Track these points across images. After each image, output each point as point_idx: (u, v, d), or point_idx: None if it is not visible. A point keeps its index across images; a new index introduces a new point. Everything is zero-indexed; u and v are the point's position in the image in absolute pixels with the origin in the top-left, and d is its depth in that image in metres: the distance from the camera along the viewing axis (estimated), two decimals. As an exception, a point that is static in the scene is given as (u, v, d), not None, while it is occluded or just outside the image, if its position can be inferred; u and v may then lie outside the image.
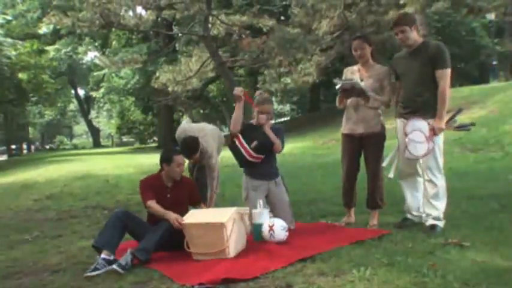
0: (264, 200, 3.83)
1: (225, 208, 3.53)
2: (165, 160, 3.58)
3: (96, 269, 2.97)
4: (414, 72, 3.55)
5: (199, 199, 3.84)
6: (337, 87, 3.76)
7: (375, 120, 3.80)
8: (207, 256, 3.16)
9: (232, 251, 3.18)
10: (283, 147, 3.89)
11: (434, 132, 3.44)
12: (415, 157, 3.53)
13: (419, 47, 3.56)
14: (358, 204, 4.07)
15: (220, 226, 3.12)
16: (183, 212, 3.49)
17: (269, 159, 3.88)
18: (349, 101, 3.86)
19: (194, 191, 3.83)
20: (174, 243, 3.36)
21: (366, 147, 3.88)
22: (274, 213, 3.82)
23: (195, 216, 3.34)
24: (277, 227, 3.42)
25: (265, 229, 3.44)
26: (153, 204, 3.45)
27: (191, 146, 4.20)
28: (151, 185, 3.58)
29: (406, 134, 3.56)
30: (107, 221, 3.37)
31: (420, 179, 3.70)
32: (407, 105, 3.62)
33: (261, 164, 3.81)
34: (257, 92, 3.95)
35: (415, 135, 3.49)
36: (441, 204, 3.52)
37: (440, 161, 3.52)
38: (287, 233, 3.44)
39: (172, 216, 3.31)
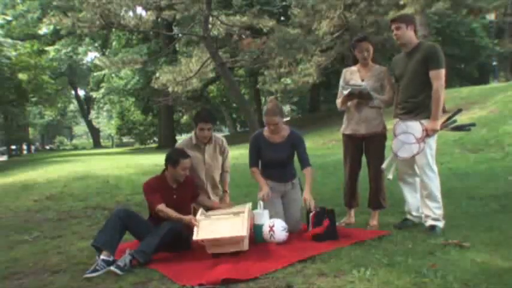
0: (279, 200, 3.88)
1: (236, 208, 3.55)
2: (172, 162, 3.52)
3: (95, 270, 2.97)
4: (409, 73, 3.56)
5: (197, 194, 3.79)
6: (345, 92, 3.75)
7: (377, 121, 3.81)
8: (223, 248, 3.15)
9: (246, 245, 3.21)
10: (307, 158, 3.86)
11: (427, 133, 3.45)
12: (402, 158, 3.55)
13: (415, 48, 3.57)
14: (359, 205, 4.08)
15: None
16: (187, 212, 3.53)
17: (283, 167, 3.89)
18: (350, 102, 3.86)
19: (195, 188, 3.80)
20: (174, 244, 3.37)
21: (368, 148, 3.88)
22: (285, 212, 3.83)
23: (211, 228, 3.25)
24: (278, 228, 3.42)
25: (265, 230, 3.44)
26: (163, 208, 3.42)
27: (211, 112, 4.20)
28: (156, 188, 3.54)
29: (395, 135, 3.58)
30: (108, 220, 3.35)
31: (419, 180, 3.70)
32: (403, 106, 3.63)
33: (275, 169, 3.85)
34: (270, 98, 3.92)
35: (406, 137, 3.50)
36: (435, 205, 3.52)
37: (432, 160, 3.53)
38: (287, 234, 3.44)
39: (187, 219, 3.34)
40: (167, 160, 3.56)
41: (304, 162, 3.83)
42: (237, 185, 6.44)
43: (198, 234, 3.18)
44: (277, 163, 3.87)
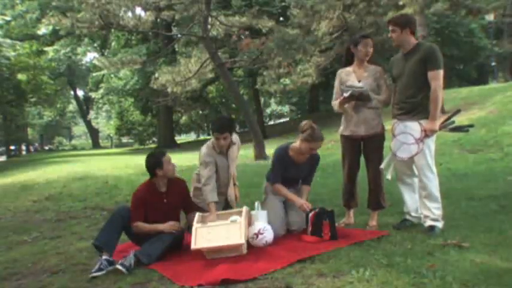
0: (281, 203, 3.87)
1: (231, 214, 3.55)
2: (157, 165, 3.48)
3: (100, 269, 2.98)
4: (408, 73, 3.56)
5: (193, 208, 3.70)
6: (346, 94, 3.72)
7: (376, 121, 3.81)
8: (221, 253, 3.16)
9: (245, 248, 3.23)
10: (312, 179, 4.03)
11: (426, 133, 3.45)
12: (402, 159, 3.54)
13: (413, 49, 3.57)
14: (358, 205, 4.08)
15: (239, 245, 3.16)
16: (177, 214, 3.58)
17: (297, 182, 3.99)
18: (347, 104, 3.85)
19: (188, 196, 3.75)
20: (174, 247, 3.40)
21: (367, 149, 3.88)
22: (290, 212, 3.83)
23: (208, 237, 3.24)
24: (267, 230, 3.42)
25: (253, 238, 3.39)
26: (139, 224, 3.40)
27: (226, 120, 4.05)
28: (145, 199, 3.48)
29: (394, 136, 3.58)
30: (110, 218, 3.36)
31: (417, 180, 3.70)
32: (401, 106, 3.63)
33: (286, 181, 3.88)
34: (305, 123, 3.69)
35: (404, 137, 3.51)
36: (434, 205, 3.52)
37: (431, 161, 3.53)
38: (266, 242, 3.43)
39: (165, 227, 3.41)
40: (152, 166, 3.50)
41: (308, 181, 3.98)
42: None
43: (196, 243, 3.17)
44: (294, 179, 3.93)
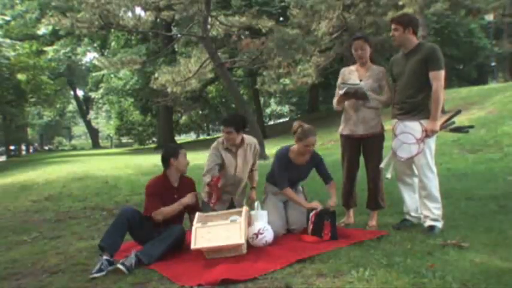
0: (282, 203, 3.89)
1: (233, 214, 3.54)
2: (172, 155, 3.56)
3: (101, 269, 2.98)
4: (408, 73, 3.56)
5: (197, 210, 3.67)
6: (341, 92, 3.74)
7: (375, 121, 3.81)
8: (221, 253, 3.16)
9: (245, 248, 3.23)
10: (329, 173, 3.93)
11: (426, 133, 3.45)
12: (402, 159, 3.54)
13: (414, 49, 3.57)
14: (357, 205, 4.08)
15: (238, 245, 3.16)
16: (183, 215, 3.62)
17: (296, 183, 4.00)
18: (347, 102, 3.86)
19: (194, 188, 3.76)
20: (176, 246, 3.40)
21: (366, 148, 3.88)
22: (291, 212, 3.84)
23: (208, 236, 3.24)
24: (267, 229, 3.41)
25: (252, 238, 3.39)
26: (159, 211, 3.44)
27: (235, 117, 4.12)
28: (159, 191, 3.53)
29: (395, 135, 3.58)
30: (115, 220, 3.37)
31: (417, 180, 3.70)
32: (401, 106, 3.63)
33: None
34: (294, 124, 3.76)
35: (405, 136, 3.51)
36: (434, 205, 3.52)
37: (431, 161, 3.53)
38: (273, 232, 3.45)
39: (187, 200, 3.54)
40: (167, 156, 3.58)
41: (328, 178, 3.93)
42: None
43: (196, 243, 3.17)
44: (294, 181, 3.92)
